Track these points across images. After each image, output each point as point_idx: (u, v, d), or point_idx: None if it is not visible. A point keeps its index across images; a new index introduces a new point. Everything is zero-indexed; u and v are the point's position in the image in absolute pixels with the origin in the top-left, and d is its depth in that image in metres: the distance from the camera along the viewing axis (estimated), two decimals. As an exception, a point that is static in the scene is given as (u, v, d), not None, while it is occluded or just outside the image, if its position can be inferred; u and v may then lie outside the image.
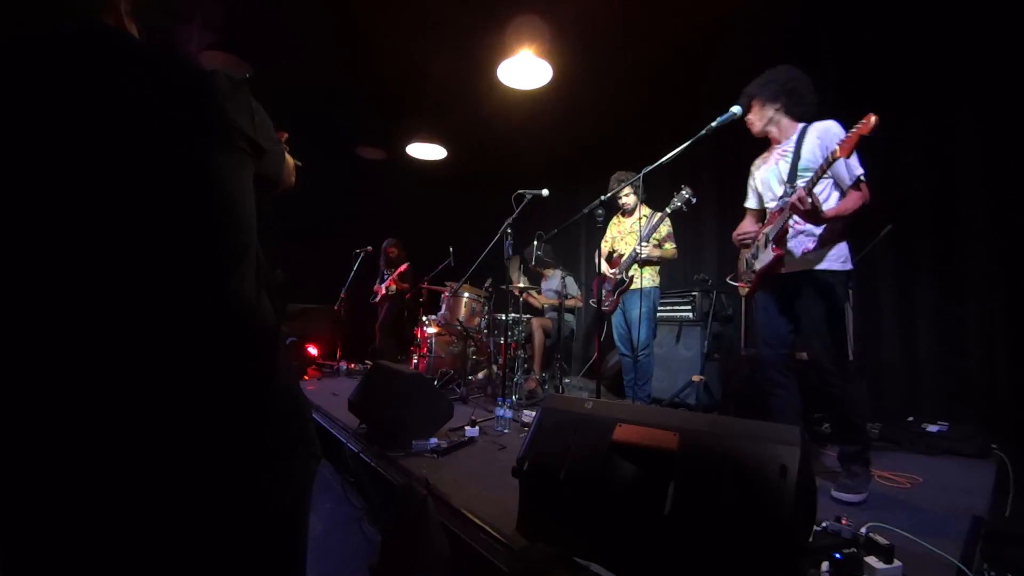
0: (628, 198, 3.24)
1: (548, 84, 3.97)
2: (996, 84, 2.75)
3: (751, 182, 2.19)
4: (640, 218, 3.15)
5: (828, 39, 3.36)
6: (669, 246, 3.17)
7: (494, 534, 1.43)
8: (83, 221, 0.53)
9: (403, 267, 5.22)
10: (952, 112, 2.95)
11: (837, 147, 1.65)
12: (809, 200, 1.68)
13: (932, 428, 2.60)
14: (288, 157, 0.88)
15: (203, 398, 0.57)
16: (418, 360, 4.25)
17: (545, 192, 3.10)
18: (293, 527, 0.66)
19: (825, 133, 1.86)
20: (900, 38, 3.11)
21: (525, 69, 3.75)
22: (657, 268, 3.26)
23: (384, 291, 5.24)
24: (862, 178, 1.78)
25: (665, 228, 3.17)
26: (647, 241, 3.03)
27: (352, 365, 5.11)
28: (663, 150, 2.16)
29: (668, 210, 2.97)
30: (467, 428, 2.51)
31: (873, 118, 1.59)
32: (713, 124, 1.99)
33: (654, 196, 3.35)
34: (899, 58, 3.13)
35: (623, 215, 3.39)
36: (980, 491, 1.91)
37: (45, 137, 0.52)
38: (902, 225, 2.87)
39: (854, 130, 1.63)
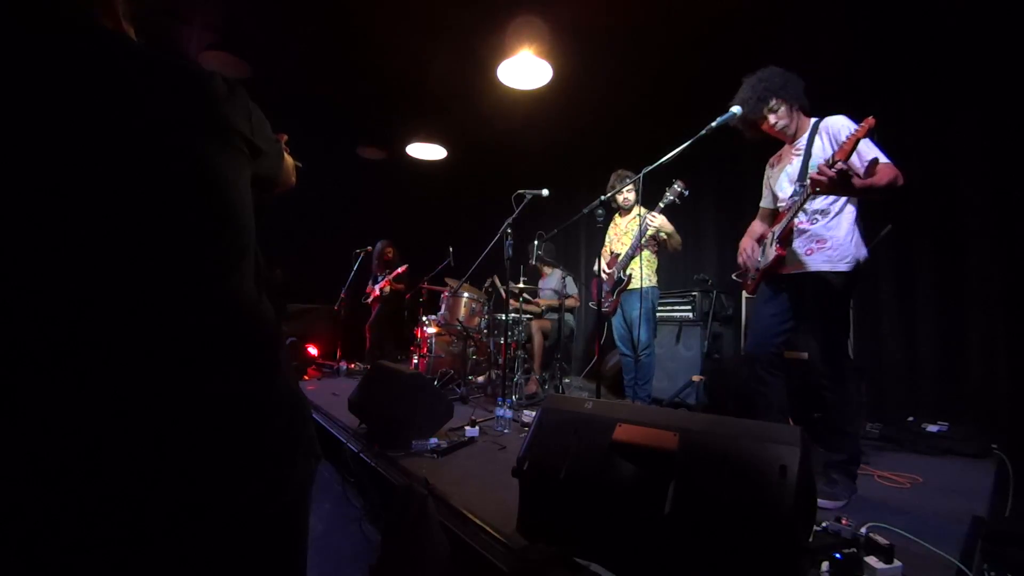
0: (629, 194, 3.23)
1: (548, 84, 3.97)
2: (997, 84, 2.75)
3: (766, 180, 2.15)
4: (635, 217, 3.15)
5: (828, 38, 3.36)
6: (673, 232, 3.16)
7: (494, 534, 1.43)
8: (82, 222, 0.53)
9: (402, 268, 5.21)
10: (952, 112, 2.95)
11: (836, 150, 1.63)
12: (832, 170, 1.59)
13: (932, 428, 2.60)
14: (287, 157, 0.88)
15: (203, 398, 0.57)
16: (418, 360, 4.25)
17: (545, 192, 3.10)
18: (293, 527, 0.66)
19: (833, 126, 1.84)
20: (900, 38, 3.11)
21: (525, 69, 3.75)
22: (655, 267, 3.26)
23: (378, 292, 5.23)
24: (880, 159, 1.71)
25: (659, 220, 3.16)
26: (652, 219, 3.01)
27: (352, 365, 5.11)
28: (663, 150, 2.16)
29: (661, 204, 2.97)
30: (467, 428, 2.51)
31: (870, 121, 1.58)
32: (713, 124, 1.99)
33: (653, 196, 3.35)
34: (899, 58, 3.14)
35: (619, 214, 3.39)
36: (980, 491, 1.91)
37: (42, 139, 0.52)
38: (902, 225, 2.87)
39: (851, 134, 1.62)
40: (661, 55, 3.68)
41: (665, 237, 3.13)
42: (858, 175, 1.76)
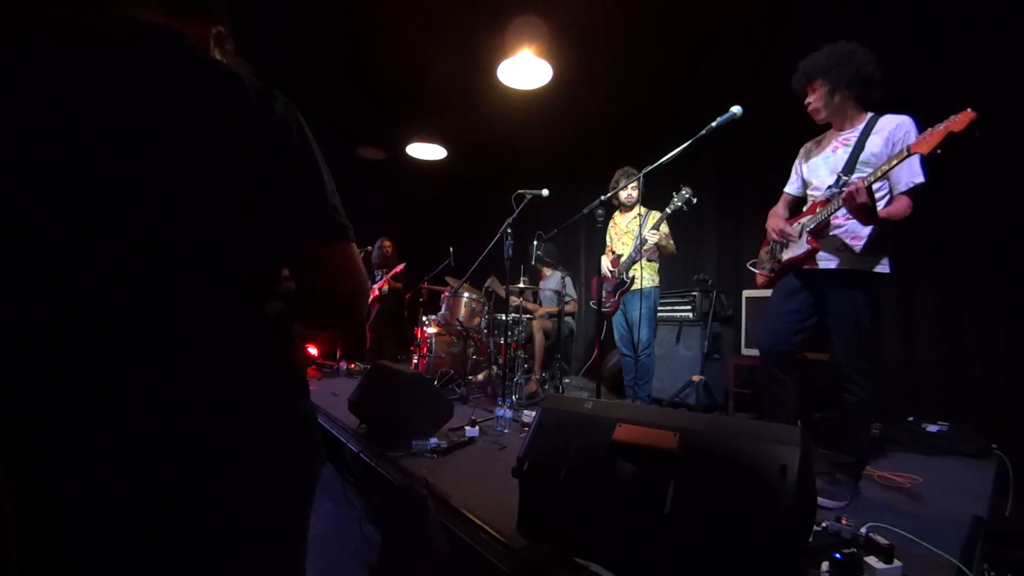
0: (633, 191, 3.23)
1: (548, 84, 3.97)
2: (997, 85, 2.75)
3: (797, 165, 2.05)
4: (636, 216, 3.16)
5: (828, 40, 3.36)
6: (670, 243, 3.18)
7: (494, 534, 1.43)
8: (95, 222, 0.53)
9: (400, 267, 5.20)
10: (952, 111, 2.94)
11: (916, 141, 1.52)
12: (865, 196, 1.57)
13: (932, 428, 2.60)
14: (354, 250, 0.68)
15: (209, 402, 0.57)
16: (418, 360, 4.25)
17: (545, 192, 3.11)
18: (292, 532, 0.65)
19: (897, 128, 1.71)
20: (900, 39, 3.11)
21: (525, 69, 3.75)
22: (656, 268, 3.26)
23: (376, 291, 5.22)
24: (920, 189, 1.66)
25: (664, 228, 3.17)
26: (656, 230, 3.03)
27: (352, 365, 5.11)
28: (663, 150, 2.16)
29: (668, 210, 2.97)
30: (467, 428, 2.51)
31: (971, 115, 1.42)
32: (713, 124, 1.97)
33: (653, 196, 3.36)
34: (899, 59, 3.13)
35: (620, 212, 3.39)
36: (980, 491, 1.92)
37: (56, 135, 0.52)
38: (902, 225, 2.86)
39: (943, 124, 1.47)
40: (661, 55, 3.67)
41: (660, 249, 3.15)
42: (893, 191, 1.72)
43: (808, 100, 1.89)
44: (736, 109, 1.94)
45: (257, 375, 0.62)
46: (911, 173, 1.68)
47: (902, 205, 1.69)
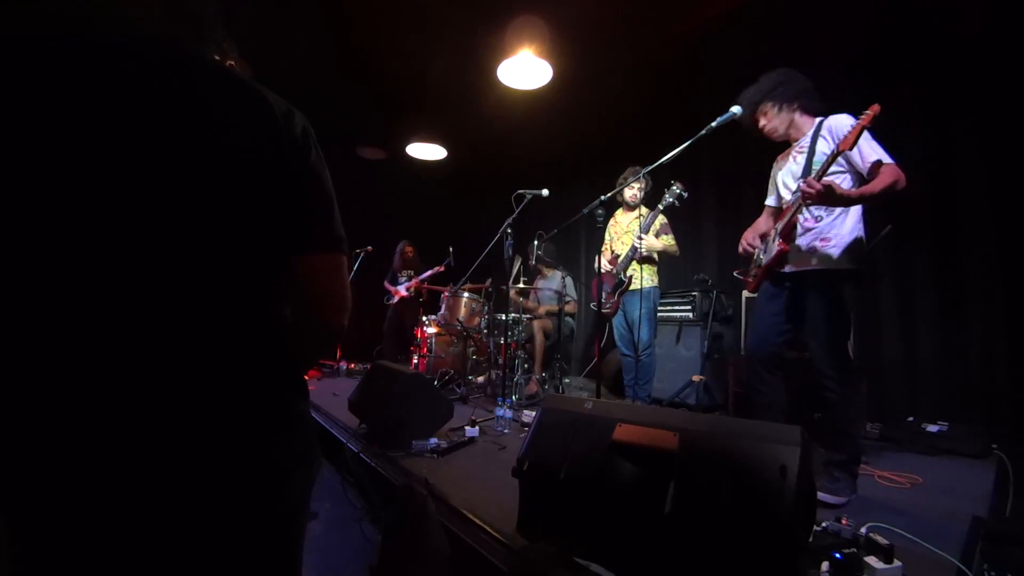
0: (638, 191, 3.23)
1: (548, 84, 3.97)
2: (997, 85, 2.75)
3: (772, 178, 2.15)
4: (637, 217, 3.16)
5: (828, 40, 3.36)
6: (668, 239, 3.18)
7: (494, 534, 1.43)
8: (103, 223, 0.53)
9: (439, 268, 5.02)
10: (953, 112, 2.95)
11: (841, 141, 1.65)
12: (819, 184, 1.64)
13: (932, 428, 2.60)
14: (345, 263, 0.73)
15: (208, 404, 0.57)
16: (418, 360, 4.25)
17: (545, 192, 3.11)
18: (289, 535, 0.66)
19: (836, 125, 1.83)
20: (900, 39, 3.11)
21: (525, 69, 3.76)
22: (655, 268, 3.26)
23: (405, 292, 5.17)
24: (883, 160, 1.70)
25: (659, 223, 3.17)
26: (645, 233, 3.03)
27: (352, 365, 5.09)
28: (663, 150, 2.16)
29: (660, 206, 2.98)
30: (467, 428, 2.51)
31: (875, 108, 1.59)
32: (713, 124, 1.99)
33: (653, 196, 3.36)
34: (899, 59, 3.14)
35: (623, 210, 3.39)
36: (980, 491, 1.91)
37: (75, 137, 0.52)
38: (902, 225, 2.87)
39: (856, 123, 1.63)
40: (661, 55, 3.68)
41: (659, 254, 3.15)
42: (861, 174, 1.77)
43: (761, 124, 2.01)
44: (736, 109, 1.97)
45: (256, 377, 0.62)
46: (864, 157, 1.72)
47: (878, 180, 1.68)
